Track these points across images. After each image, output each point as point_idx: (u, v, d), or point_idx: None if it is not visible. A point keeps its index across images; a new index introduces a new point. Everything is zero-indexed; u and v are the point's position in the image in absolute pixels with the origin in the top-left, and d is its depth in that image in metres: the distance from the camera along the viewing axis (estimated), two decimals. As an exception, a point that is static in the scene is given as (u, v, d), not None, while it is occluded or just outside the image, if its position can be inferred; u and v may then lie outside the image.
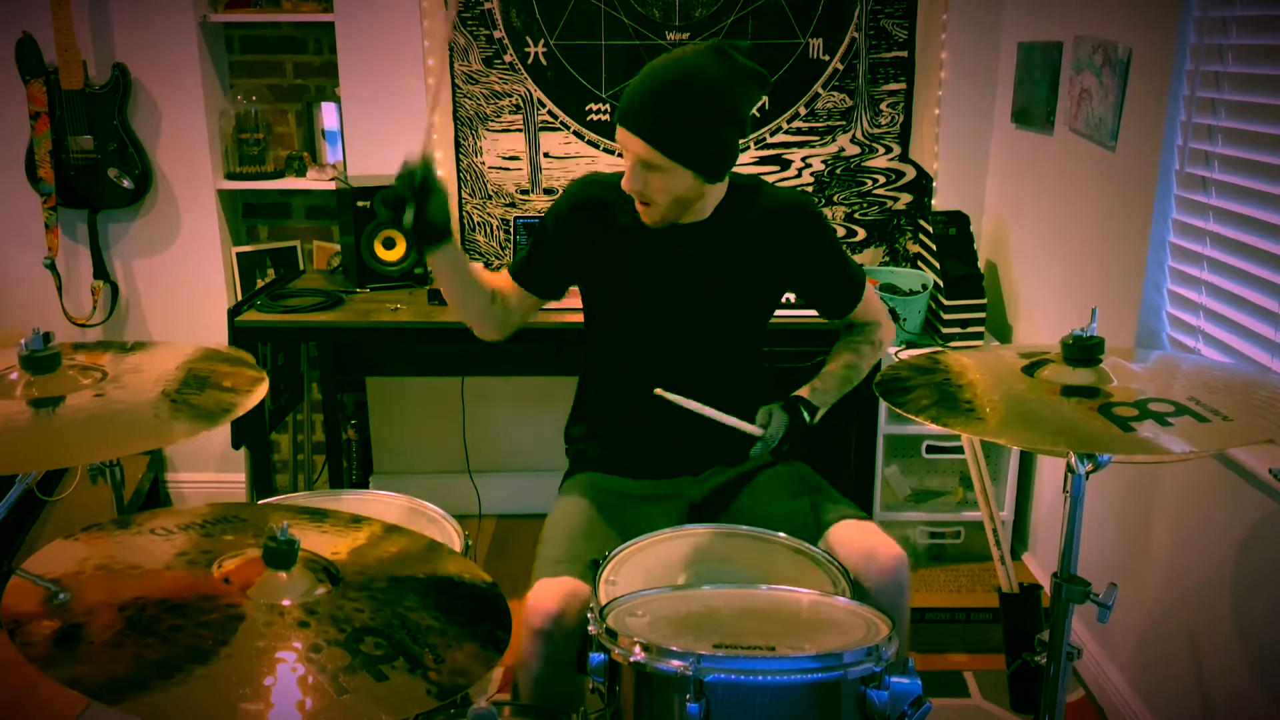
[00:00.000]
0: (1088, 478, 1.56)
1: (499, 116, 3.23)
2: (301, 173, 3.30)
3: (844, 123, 3.23)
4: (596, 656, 1.46)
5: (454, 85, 3.21)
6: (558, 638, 1.70)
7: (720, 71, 1.77)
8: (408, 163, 1.72)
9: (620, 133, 1.82)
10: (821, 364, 2.05)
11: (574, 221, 1.99)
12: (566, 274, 2.03)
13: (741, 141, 1.88)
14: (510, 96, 3.21)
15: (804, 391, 1.97)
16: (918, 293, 2.97)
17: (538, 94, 3.20)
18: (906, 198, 3.29)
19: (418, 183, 1.71)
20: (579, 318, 2.14)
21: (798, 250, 1.98)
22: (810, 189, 3.27)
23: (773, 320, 2.10)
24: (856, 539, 1.79)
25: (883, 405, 2.84)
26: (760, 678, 1.36)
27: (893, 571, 1.76)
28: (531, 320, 2.06)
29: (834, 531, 1.83)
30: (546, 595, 1.72)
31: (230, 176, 3.32)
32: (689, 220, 1.93)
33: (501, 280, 2.01)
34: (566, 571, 1.77)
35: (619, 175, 1.97)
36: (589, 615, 1.53)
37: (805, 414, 1.91)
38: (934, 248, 2.99)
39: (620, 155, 1.87)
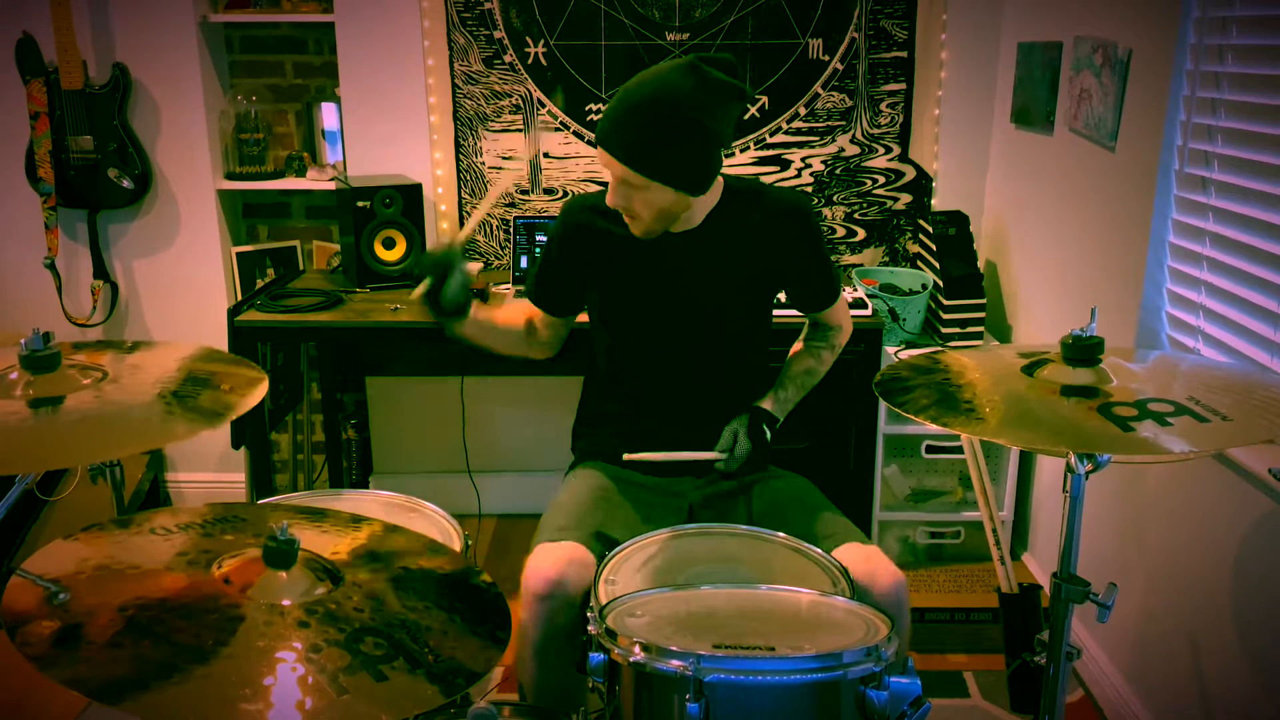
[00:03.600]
0: (1087, 477, 1.56)
1: (499, 116, 3.23)
2: (301, 173, 3.30)
3: (844, 123, 3.23)
4: (596, 656, 1.46)
5: (454, 85, 3.21)
6: (558, 603, 1.70)
7: (694, 88, 1.77)
8: (439, 245, 1.81)
9: (600, 153, 1.86)
10: (781, 365, 2.09)
11: (569, 247, 2.04)
12: (575, 293, 2.09)
13: (726, 151, 1.91)
14: (510, 96, 3.21)
15: (767, 403, 2.01)
16: (917, 293, 2.97)
17: (538, 94, 3.20)
18: (906, 198, 3.29)
19: (440, 264, 1.80)
20: (581, 318, 2.15)
21: (792, 247, 2.00)
22: (810, 189, 3.27)
23: (774, 320, 2.11)
24: (859, 564, 1.79)
25: (883, 405, 2.84)
26: (760, 678, 1.36)
27: (892, 594, 1.76)
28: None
29: (836, 555, 1.83)
30: (547, 560, 1.73)
31: (230, 176, 3.32)
32: (681, 229, 1.95)
33: (527, 308, 2.11)
34: (569, 537, 1.77)
35: (603, 191, 2.01)
36: (589, 615, 1.53)
37: (767, 431, 1.96)
38: (934, 248, 2.99)
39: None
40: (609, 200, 1.89)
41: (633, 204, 1.87)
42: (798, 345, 2.15)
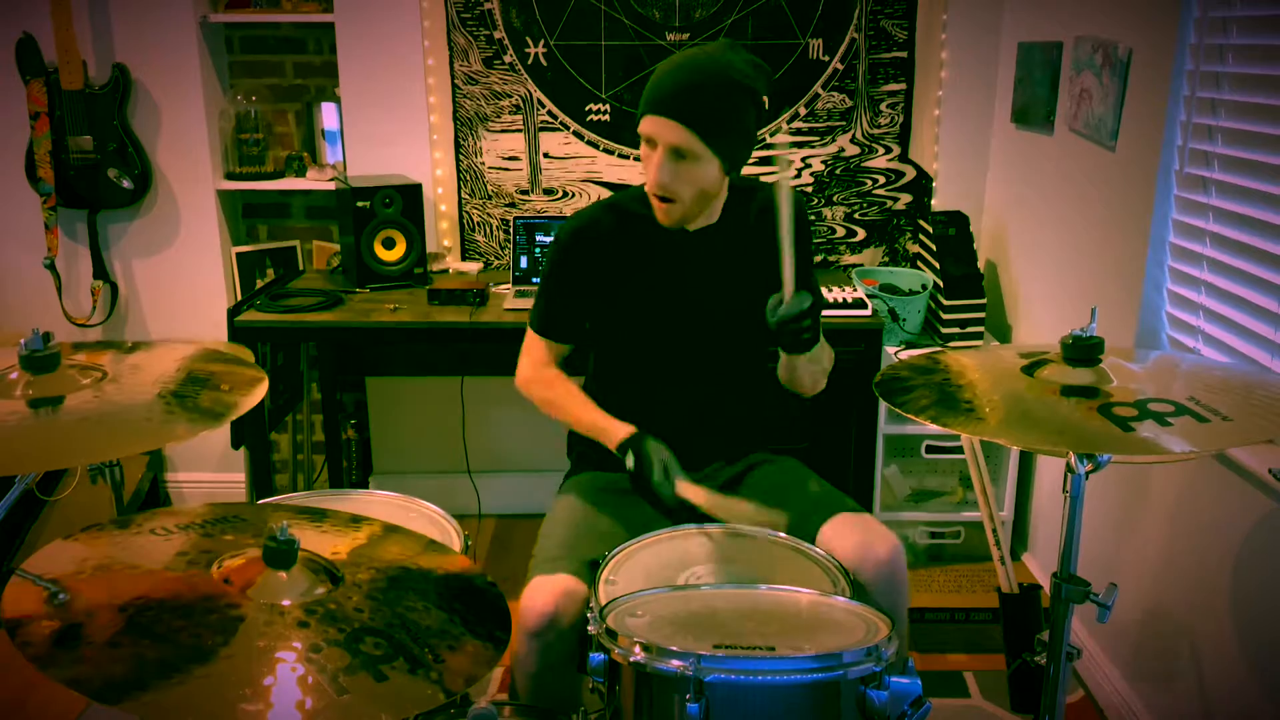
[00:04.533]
0: (1087, 478, 1.56)
1: (499, 117, 3.23)
2: (301, 173, 3.30)
3: (844, 123, 3.23)
4: (596, 656, 1.46)
5: (454, 85, 3.21)
6: (552, 636, 1.70)
7: (740, 60, 1.83)
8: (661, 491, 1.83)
9: (652, 122, 1.81)
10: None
11: (573, 268, 2.01)
12: (583, 317, 2.06)
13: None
14: (510, 97, 3.21)
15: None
16: (917, 293, 2.97)
17: (538, 94, 3.20)
18: (906, 198, 3.29)
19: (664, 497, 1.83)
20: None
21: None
22: (810, 189, 3.27)
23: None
24: (853, 531, 1.79)
25: (883, 405, 2.84)
26: (760, 678, 1.36)
27: (888, 562, 1.76)
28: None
29: (830, 525, 1.83)
30: (540, 594, 1.73)
31: (230, 176, 3.32)
32: (697, 226, 1.95)
33: (541, 347, 2.05)
34: (562, 569, 1.77)
35: (602, 204, 2.02)
36: (589, 615, 1.53)
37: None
38: (934, 248, 2.99)
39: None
40: (653, 180, 1.84)
41: (678, 181, 1.84)
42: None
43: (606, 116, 3.21)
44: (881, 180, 3.28)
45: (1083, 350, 1.60)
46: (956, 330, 2.94)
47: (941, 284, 2.93)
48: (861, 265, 3.28)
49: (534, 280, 3.08)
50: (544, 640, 1.70)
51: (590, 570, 1.79)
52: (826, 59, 3.17)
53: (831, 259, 3.32)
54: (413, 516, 1.90)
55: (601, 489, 2.02)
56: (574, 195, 3.28)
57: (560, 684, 1.74)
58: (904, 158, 3.26)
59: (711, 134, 1.80)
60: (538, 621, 1.70)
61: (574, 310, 2.05)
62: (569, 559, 1.80)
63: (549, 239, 3.07)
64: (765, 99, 1.88)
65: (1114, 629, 2.44)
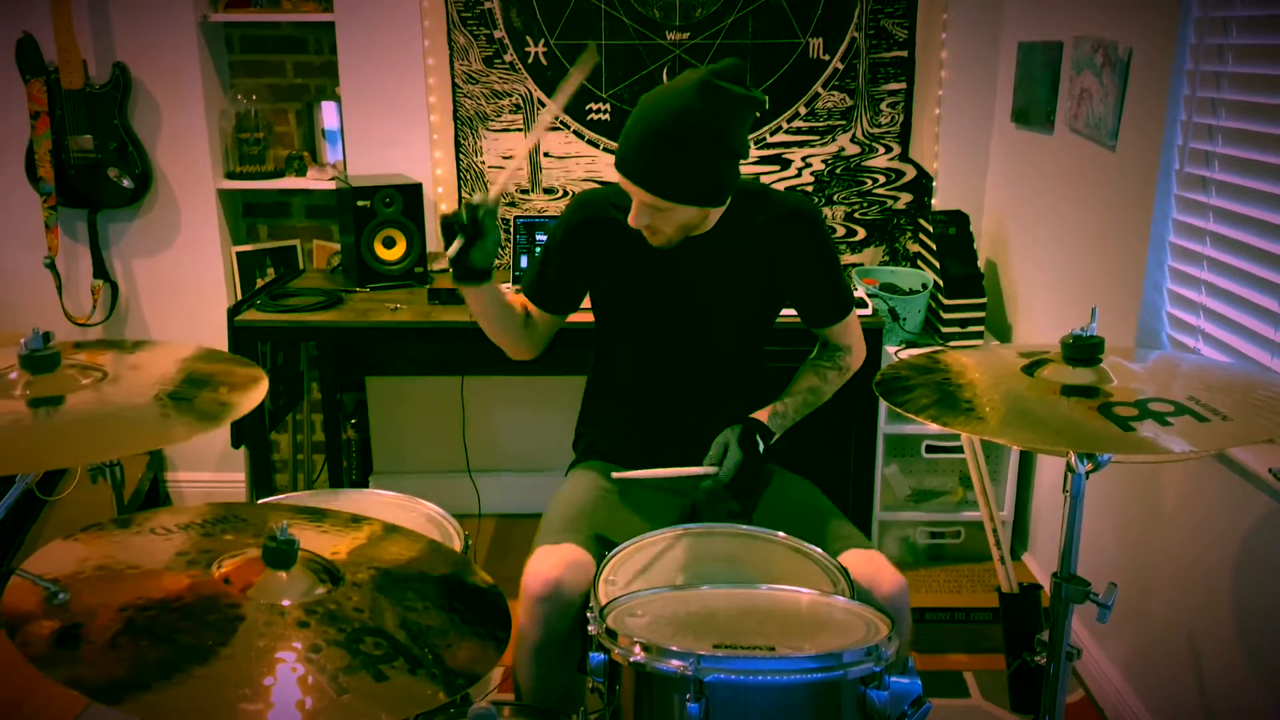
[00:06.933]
0: (1088, 477, 1.56)
1: (499, 116, 3.23)
2: (301, 172, 3.30)
3: (844, 122, 3.23)
4: (596, 656, 1.46)
5: (454, 85, 3.21)
6: (556, 605, 1.71)
7: (710, 109, 1.75)
8: (473, 201, 1.77)
9: (620, 177, 1.84)
10: (787, 381, 2.06)
11: (574, 244, 2.03)
12: (576, 290, 2.07)
13: (744, 159, 1.90)
14: (510, 96, 3.21)
15: (764, 415, 1.96)
16: (917, 292, 2.97)
17: (538, 93, 3.20)
18: (906, 197, 3.29)
19: (478, 219, 1.77)
20: (583, 317, 2.15)
21: (800, 253, 1.99)
22: (810, 189, 3.27)
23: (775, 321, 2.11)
24: (861, 568, 1.79)
25: (883, 405, 2.84)
26: (760, 678, 1.36)
27: (893, 599, 1.75)
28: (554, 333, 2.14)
29: (839, 560, 1.82)
30: (546, 561, 1.73)
31: (230, 176, 3.32)
32: (694, 233, 1.94)
33: (520, 303, 2.07)
34: (569, 539, 1.78)
35: (613, 188, 2.00)
36: (589, 615, 1.53)
37: (761, 443, 1.92)
38: (934, 247, 2.99)
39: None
40: (632, 221, 1.87)
41: (655, 223, 1.86)
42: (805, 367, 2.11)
43: (607, 116, 3.21)
44: (881, 180, 3.28)
45: (1083, 350, 1.60)
46: (957, 330, 2.94)
47: (942, 283, 2.93)
48: (862, 265, 3.28)
49: (534, 280, 3.08)
50: (548, 607, 1.70)
51: (596, 543, 1.80)
52: (827, 58, 3.17)
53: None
54: (413, 516, 1.90)
55: (607, 476, 2.02)
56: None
57: (561, 662, 1.74)
58: (904, 157, 3.26)
59: (672, 194, 1.79)
60: (543, 588, 1.70)
61: (559, 276, 2.05)
62: (575, 531, 1.81)
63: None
64: (754, 115, 1.87)
65: (1114, 629, 2.44)
